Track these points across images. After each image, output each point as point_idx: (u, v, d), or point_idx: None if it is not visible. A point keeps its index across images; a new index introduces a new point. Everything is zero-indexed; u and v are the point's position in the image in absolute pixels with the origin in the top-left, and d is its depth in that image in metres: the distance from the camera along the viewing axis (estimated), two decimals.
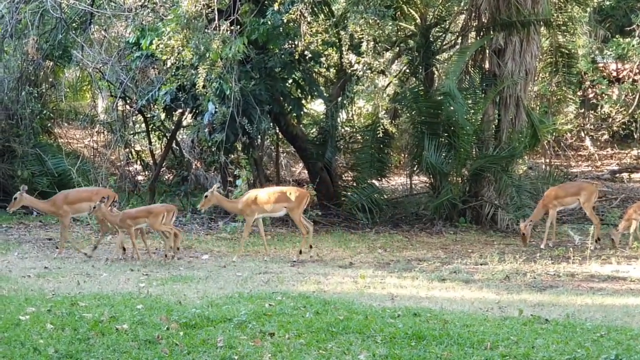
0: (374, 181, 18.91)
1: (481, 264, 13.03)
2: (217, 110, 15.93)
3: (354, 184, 19.73)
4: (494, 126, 18.44)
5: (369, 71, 16.85)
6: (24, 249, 13.55)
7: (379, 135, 17.82)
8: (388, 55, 19.85)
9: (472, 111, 18.45)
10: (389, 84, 19.99)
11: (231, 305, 8.88)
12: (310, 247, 13.86)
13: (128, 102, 20.15)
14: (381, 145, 19.13)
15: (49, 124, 22.92)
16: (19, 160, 19.11)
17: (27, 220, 17.29)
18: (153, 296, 9.51)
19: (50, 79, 22.58)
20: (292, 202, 13.66)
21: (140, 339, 7.31)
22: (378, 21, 16.23)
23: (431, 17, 20.44)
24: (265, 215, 14.27)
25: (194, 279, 11.01)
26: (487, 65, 18.82)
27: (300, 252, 13.68)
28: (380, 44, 18.25)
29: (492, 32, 18.08)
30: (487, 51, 18.56)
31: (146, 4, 17.73)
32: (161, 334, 7.49)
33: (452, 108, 17.46)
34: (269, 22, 15.72)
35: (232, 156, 17.99)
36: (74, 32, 19.52)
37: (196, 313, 8.28)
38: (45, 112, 20.97)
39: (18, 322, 7.86)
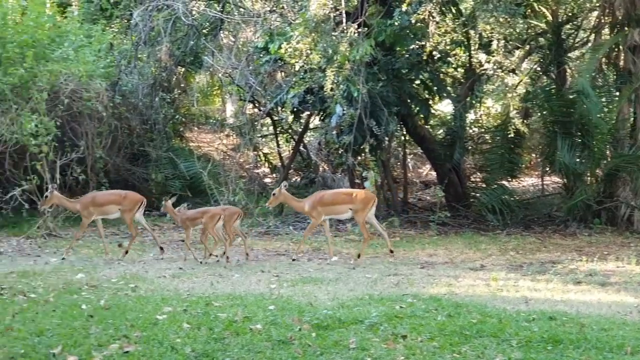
0: (504, 182, 18.59)
1: (618, 267, 12.62)
2: (344, 112, 15.98)
3: (483, 185, 19.49)
4: (629, 125, 17.84)
5: (499, 70, 16.62)
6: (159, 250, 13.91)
7: (509, 136, 17.56)
8: (518, 53, 19.52)
9: (607, 110, 17.91)
10: (519, 82, 19.66)
11: (362, 307, 8.87)
12: (360, 256, 13.60)
13: (257, 105, 20.46)
14: (511, 146, 18.79)
15: (181, 128, 23.55)
16: (152, 164, 19.68)
17: (160, 222, 17.75)
18: (284, 297, 9.59)
19: (182, 85, 23.21)
20: (358, 204, 13.47)
21: (273, 339, 7.37)
22: (508, 19, 16.01)
23: (562, 14, 19.98)
24: (332, 217, 14.05)
25: (323, 281, 11.04)
26: (621, 63, 18.22)
27: (359, 255, 13.48)
28: (510, 43, 18.00)
29: (626, 29, 17.50)
30: (622, 48, 17.97)
31: (274, 9, 18.01)
32: (293, 334, 7.54)
33: (585, 107, 16.97)
34: (396, 23, 15.68)
35: (360, 158, 18.02)
36: (204, 38, 19.98)
37: (327, 314, 8.30)
38: (177, 116, 21.58)
39: (156, 322, 8.05)
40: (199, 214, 13.36)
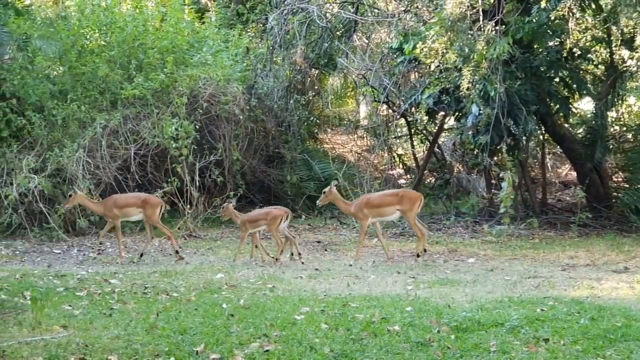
0: None
1: None
2: (481, 112, 15.73)
3: (626, 185, 18.82)
4: None
5: None
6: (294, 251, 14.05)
7: None
8: None
9: None
10: None
11: (501, 309, 8.70)
12: (425, 250, 13.45)
13: (391, 106, 20.41)
14: None
15: (315, 130, 23.73)
16: (288, 166, 19.92)
17: (296, 224, 17.93)
18: (421, 299, 9.50)
19: (316, 87, 23.38)
20: (405, 205, 13.23)
21: (412, 341, 7.32)
22: None
23: None
24: (380, 219, 13.75)
25: (461, 283, 10.90)
26: None
27: (418, 255, 13.29)
28: None
29: None
30: None
31: (409, 8, 17.92)
32: (432, 336, 7.47)
33: None
34: (535, 20, 15.30)
35: (496, 158, 17.73)
36: (338, 40, 20.07)
37: (466, 317, 8.19)
38: (311, 118, 21.73)
39: (294, 322, 8.12)
40: (262, 216, 13.48)
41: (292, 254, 13.57)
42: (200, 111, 17.01)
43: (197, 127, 16.87)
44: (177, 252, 13.72)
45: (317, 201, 14.22)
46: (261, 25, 21.66)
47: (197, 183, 16.75)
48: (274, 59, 20.12)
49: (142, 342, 7.24)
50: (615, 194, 18.57)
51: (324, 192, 13.78)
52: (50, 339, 7.33)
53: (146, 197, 14.16)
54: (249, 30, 21.52)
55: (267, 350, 6.99)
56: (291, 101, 20.15)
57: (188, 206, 16.50)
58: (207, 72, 17.23)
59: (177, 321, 8.16)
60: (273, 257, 13.37)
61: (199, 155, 16.90)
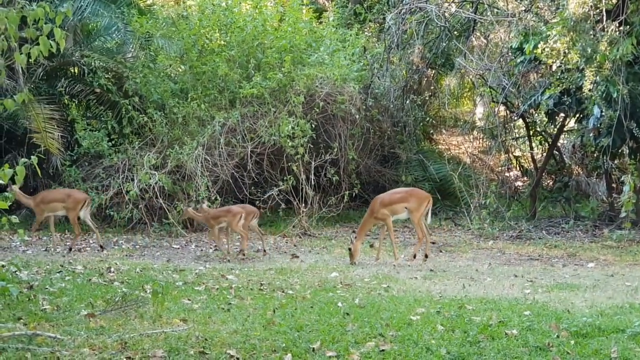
0: None
1: None
2: (603, 113, 15.36)
3: None
4: None
5: None
6: (410, 251, 13.99)
7: None
8: None
9: None
10: None
11: (623, 315, 8.47)
12: (426, 256, 13.26)
13: (509, 107, 20.11)
14: None
15: (431, 131, 23.59)
16: (403, 166, 19.88)
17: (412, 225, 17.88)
18: (539, 303, 9.33)
19: (432, 87, 23.23)
20: (412, 204, 12.98)
21: (530, 345, 7.19)
22: None
23: None
24: (395, 218, 13.54)
25: (580, 287, 10.66)
26: None
27: (415, 256, 13.15)
28: None
29: None
30: None
31: (529, 8, 17.62)
32: (551, 341, 7.32)
33: None
34: None
35: (618, 161, 17.26)
36: (456, 39, 19.89)
37: (586, 322, 7.99)
38: (427, 119, 21.61)
39: (410, 322, 8.09)
40: (223, 213, 13.77)
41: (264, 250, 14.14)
42: (317, 110, 17.15)
43: (314, 126, 17.01)
44: (101, 246, 14.16)
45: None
46: (378, 24, 21.68)
47: (312, 182, 16.90)
48: (391, 59, 20.09)
49: (259, 338, 7.34)
50: None
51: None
52: (171, 331, 7.49)
53: (71, 192, 14.56)
54: (366, 29, 21.57)
55: (382, 350, 6.98)
56: (407, 101, 20.11)
57: (303, 205, 16.64)
58: (324, 71, 17.36)
59: (294, 318, 8.25)
60: (240, 252, 13.86)
61: (315, 154, 17.05)
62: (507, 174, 22.85)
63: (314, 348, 7.00)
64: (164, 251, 14.52)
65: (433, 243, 15.38)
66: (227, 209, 14.20)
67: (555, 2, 17.03)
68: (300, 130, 16.55)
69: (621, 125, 15.30)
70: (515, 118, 20.15)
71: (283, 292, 9.97)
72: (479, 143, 24.04)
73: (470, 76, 21.01)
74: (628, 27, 15.11)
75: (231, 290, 9.95)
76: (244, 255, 13.75)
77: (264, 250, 14.20)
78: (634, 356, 6.90)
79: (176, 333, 7.44)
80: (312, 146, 17.01)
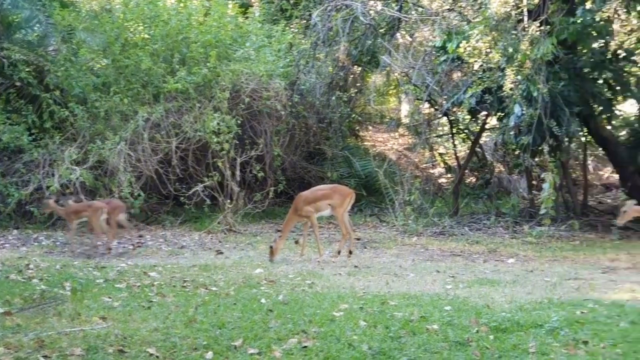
0: None
1: None
2: (524, 112, 15.63)
3: None
4: None
5: None
6: (334, 248, 14.03)
7: None
8: None
9: None
10: None
11: (541, 310, 8.64)
12: (350, 252, 13.28)
13: (433, 105, 20.34)
14: None
15: (356, 127, 23.71)
16: (328, 162, 19.96)
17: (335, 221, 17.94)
18: (460, 298, 9.46)
19: (358, 84, 23.36)
20: (336, 201, 13.10)
21: (450, 340, 7.29)
22: None
23: None
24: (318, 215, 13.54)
25: (500, 283, 10.83)
26: None
27: (339, 252, 13.21)
28: None
29: None
30: None
31: (453, 7, 17.83)
32: (471, 336, 7.44)
33: None
34: (579, 21, 15.18)
35: (538, 159, 17.59)
36: (381, 37, 20.02)
37: (505, 317, 8.14)
38: (353, 115, 21.71)
39: (333, 318, 8.12)
40: (83, 207, 13.75)
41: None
42: (242, 106, 17.08)
43: (239, 122, 16.93)
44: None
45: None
46: (304, 21, 21.66)
47: (238, 178, 16.83)
48: (317, 56, 20.12)
49: (180, 335, 7.29)
50: None
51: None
52: (90, 330, 7.41)
53: None
54: (292, 26, 21.54)
55: (305, 347, 7.00)
56: (333, 98, 20.16)
57: (228, 201, 16.56)
58: (249, 67, 17.30)
59: (216, 315, 8.22)
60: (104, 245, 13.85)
61: (240, 150, 16.97)
62: (431, 171, 23.15)
63: (235, 345, 6.98)
64: (86, 248, 14.30)
65: (358, 239, 15.45)
66: (88, 203, 14.04)
67: (478, 2, 17.26)
68: (226, 126, 16.46)
69: (541, 124, 15.59)
70: (439, 116, 20.37)
71: (206, 289, 9.92)
72: (404, 140, 24.27)
73: (396, 74, 21.17)
74: (549, 27, 15.42)
75: (153, 288, 9.87)
76: (109, 250, 13.64)
77: (133, 245, 14.20)
78: (551, 351, 7.05)
79: (95, 331, 7.35)
80: (237, 142, 16.92)
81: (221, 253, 13.67)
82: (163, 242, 15.10)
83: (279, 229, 13.89)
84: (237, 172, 16.81)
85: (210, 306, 8.72)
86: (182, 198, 16.63)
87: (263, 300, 9.06)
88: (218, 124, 16.38)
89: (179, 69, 16.91)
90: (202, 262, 12.56)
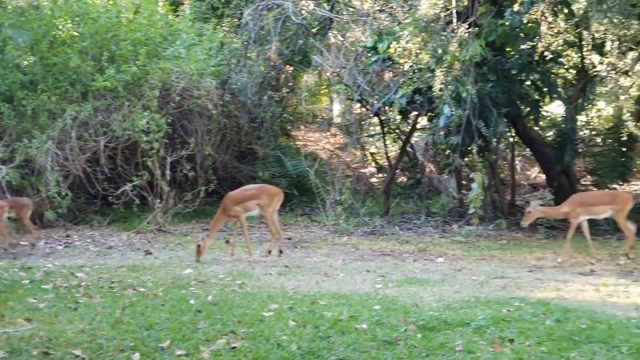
0: (615, 186, 18.10)
1: None
2: (453, 113, 15.79)
3: (594, 189, 19.01)
4: None
5: (612, 72, 16.18)
6: (265, 247, 13.99)
7: (622, 138, 17.10)
8: (632, 55, 18.97)
9: None
10: (632, 85, 19.09)
11: (468, 309, 8.75)
12: (281, 252, 13.39)
13: (364, 105, 20.42)
14: (624, 149, 18.35)
15: (288, 127, 23.70)
16: (260, 162, 19.88)
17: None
18: (389, 297, 9.53)
19: (290, 83, 23.37)
20: (264, 200, 13.22)
21: (379, 339, 7.34)
22: (622, 20, 15.56)
23: None
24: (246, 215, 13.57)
25: (429, 282, 10.94)
26: None
27: (269, 252, 13.31)
28: (624, 44, 17.52)
29: None
30: None
31: (384, 8, 17.94)
32: (399, 335, 7.49)
33: None
34: (507, 23, 15.39)
35: (467, 159, 17.81)
36: (313, 37, 20.06)
37: (433, 316, 8.23)
38: (285, 115, 21.68)
39: (262, 319, 8.11)
40: None
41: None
42: (173, 105, 16.91)
43: (169, 120, 16.76)
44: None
45: None
46: (236, 20, 21.56)
47: (168, 177, 16.69)
48: (249, 55, 20.04)
49: (107, 337, 7.20)
50: None
51: None
52: (14, 332, 7.27)
53: None
54: (223, 24, 21.41)
55: (233, 347, 6.98)
56: (265, 97, 20.08)
57: (158, 200, 16.41)
58: (180, 65, 17.15)
59: (144, 316, 8.13)
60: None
61: (171, 149, 16.82)
62: (362, 171, 23.23)
63: (163, 347, 6.93)
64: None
65: (289, 239, 15.45)
66: None
67: (409, 3, 17.40)
68: (155, 125, 16.28)
69: (470, 125, 15.78)
70: (370, 116, 20.46)
71: (134, 289, 9.81)
72: (336, 140, 24.34)
73: (327, 74, 21.21)
74: (477, 28, 15.60)
75: (80, 289, 9.73)
76: (5, 250, 13.48)
77: (32, 245, 14.04)
78: (477, 349, 7.14)
79: (19, 333, 7.22)
80: (167, 141, 16.75)
81: (150, 253, 13.53)
82: (91, 242, 14.91)
83: (207, 228, 13.81)
84: (167, 172, 16.67)
85: (138, 307, 8.63)
86: (111, 198, 16.42)
87: (192, 301, 9.00)
88: (147, 122, 16.20)
89: (108, 67, 16.66)
90: (131, 262, 12.42)
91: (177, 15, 20.11)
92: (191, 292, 9.67)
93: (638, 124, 19.33)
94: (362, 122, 20.72)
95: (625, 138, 17.56)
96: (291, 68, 22.57)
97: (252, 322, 7.94)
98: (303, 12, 19.48)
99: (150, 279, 10.73)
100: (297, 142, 24.16)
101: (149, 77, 16.84)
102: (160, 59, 17.44)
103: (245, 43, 19.70)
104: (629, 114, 20.25)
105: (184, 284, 10.35)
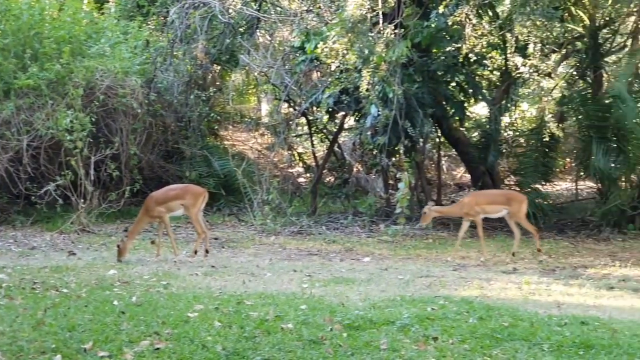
0: (537, 186, 18.43)
1: None
2: (379, 113, 15.91)
3: (517, 189, 19.31)
4: None
5: (535, 74, 16.48)
6: (191, 247, 13.89)
7: (544, 139, 17.43)
8: (555, 57, 19.37)
9: None
10: (555, 86, 19.46)
11: (394, 308, 8.80)
12: (207, 252, 13.37)
13: (292, 105, 20.43)
14: (546, 150, 18.68)
15: (216, 127, 23.56)
16: (187, 162, 19.74)
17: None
18: (316, 297, 9.54)
19: (217, 83, 23.26)
20: (188, 201, 13.23)
21: (304, 339, 7.32)
22: (545, 23, 15.87)
23: (600, 18, 19.76)
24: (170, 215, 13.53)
25: (355, 281, 10.98)
26: None
27: (195, 252, 13.29)
28: (547, 46, 17.87)
29: None
30: None
31: (311, 8, 17.97)
32: (325, 334, 7.49)
33: (621, 112, 16.84)
34: (433, 25, 15.59)
35: (394, 159, 17.94)
36: (240, 36, 19.99)
37: (359, 315, 8.25)
38: (212, 115, 21.56)
39: (187, 319, 8.02)
40: None
41: None
42: (97, 104, 16.66)
43: (93, 119, 16.52)
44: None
45: None
46: (162, 18, 21.36)
47: (92, 177, 16.44)
48: (175, 53, 19.88)
49: (28, 339, 7.04)
50: None
51: None
52: None
53: None
54: (149, 22, 21.18)
55: (157, 348, 6.88)
56: (191, 96, 19.93)
57: (82, 200, 16.16)
58: (104, 64, 16.93)
59: (66, 318, 7.97)
60: None
61: (95, 148, 16.56)
62: (290, 171, 23.25)
63: (85, 348, 6.79)
64: None
65: (216, 239, 15.38)
66: None
67: (336, 4, 17.47)
68: (79, 124, 16.02)
69: (397, 125, 15.92)
70: (298, 116, 20.48)
71: (57, 291, 9.62)
72: (264, 139, 24.29)
73: (255, 73, 21.15)
74: (403, 30, 15.75)
75: (1, 290, 9.49)
76: None
77: None
78: (402, 347, 7.16)
79: None
80: (91, 140, 16.50)
81: (74, 254, 13.32)
82: (13, 242, 14.63)
83: (126, 229, 13.67)
84: (92, 171, 16.41)
85: (61, 309, 8.45)
86: (34, 197, 16.13)
87: (116, 302, 8.85)
88: (71, 121, 15.94)
89: (31, 65, 16.36)
90: (54, 263, 12.19)
91: (102, 13, 19.86)
92: (115, 293, 9.52)
93: (560, 125, 19.73)
94: (290, 122, 20.70)
95: (547, 139, 17.88)
96: (218, 67, 22.46)
97: (176, 323, 7.85)
98: (230, 11, 19.37)
99: (74, 279, 10.55)
100: (224, 142, 24.02)
101: (73, 76, 16.58)
102: (85, 57, 17.20)
103: (172, 41, 19.55)
104: (550, 115, 20.67)
105: (107, 284, 10.19)
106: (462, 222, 14.34)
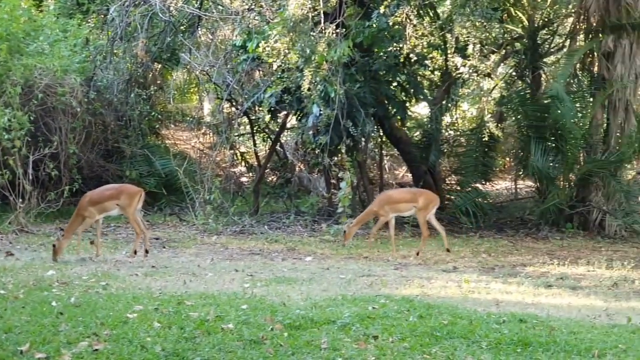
0: (478, 185, 18.69)
1: (588, 271, 12.72)
2: (321, 112, 15.96)
3: (458, 188, 19.57)
4: (602, 130, 18.05)
5: (474, 74, 16.66)
6: (131, 247, 13.77)
7: (483, 139, 17.68)
8: (494, 58, 19.61)
9: (580, 115, 18.14)
10: (494, 87, 19.68)
11: (335, 307, 8.82)
12: (147, 252, 13.32)
13: (234, 104, 20.36)
14: (486, 149, 18.94)
15: (157, 126, 23.38)
16: (127, 161, 19.56)
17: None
18: (257, 297, 9.52)
19: (158, 81, 23.07)
20: (124, 201, 13.11)
21: (245, 339, 7.31)
22: (485, 23, 16.07)
23: (538, 19, 20.12)
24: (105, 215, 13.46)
25: (297, 281, 10.99)
26: (595, 69, 18.41)
27: (135, 252, 13.20)
28: (486, 47, 18.09)
29: (601, 35, 17.69)
30: (596, 54, 18.13)
31: (253, 7, 17.93)
32: (266, 334, 7.49)
33: (559, 112, 17.14)
34: (374, 25, 15.69)
35: (336, 158, 18.00)
36: (181, 35, 19.88)
37: (300, 314, 8.26)
38: (153, 113, 21.39)
39: (126, 320, 7.95)
40: None
41: None
42: (36, 102, 16.41)
43: (32, 118, 16.27)
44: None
45: None
46: (102, 16, 21.11)
47: (31, 176, 16.19)
48: (115, 51, 19.68)
49: None
50: (447, 196, 19.24)
51: None
52: None
53: None
54: (89, 20, 20.92)
55: (96, 350, 6.81)
56: (132, 95, 19.74)
57: (20, 200, 15.90)
58: (43, 62, 16.69)
59: (2, 319, 7.84)
60: None
61: (33, 147, 16.31)
62: (232, 170, 23.19)
63: (22, 350, 6.69)
64: None
65: (157, 239, 15.28)
66: None
67: (277, 3, 17.46)
68: (17, 123, 15.76)
69: (338, 124, 15.98)
70: (240, 115, 20.42)
71: None
72: (206, 139, 24.18)
73: (196, 72, 21.05)
74: (345, 30, 15.81)
75: None
76: None
77: None
78: (342, 346, 7.19)
79: None
80: (30, 139, 16.23)
81: (12, 254, 13.09)
82: None
83: (63, 228, 13.51)
84: (30, 170, 16.16)
85: None
86: None
87: (54, 303, 8.73)
88: (9, 120, 15.67)
89: None
90: None
91: (41, 11, 19.55)
92: (53, 294, 9.39)
93: (499, 125, 19.99)
94: (232, 121, 20.64)
95: (487, 139, 18.11)
96: (159, 66, 22.27)
97: (115, 323, 7.77)
98: (171, 9, 19.20)
99: (11, 280, 10.37)
100: (166, 141, 23.86)
101: (10, 74, 16.29)
102: (23, 55, 16.93)
103: (112, 39, 19.35)
104: (490, 115, 20.93)
105: (46, 285, 10.04)
106: (379, 220, 14.51)
